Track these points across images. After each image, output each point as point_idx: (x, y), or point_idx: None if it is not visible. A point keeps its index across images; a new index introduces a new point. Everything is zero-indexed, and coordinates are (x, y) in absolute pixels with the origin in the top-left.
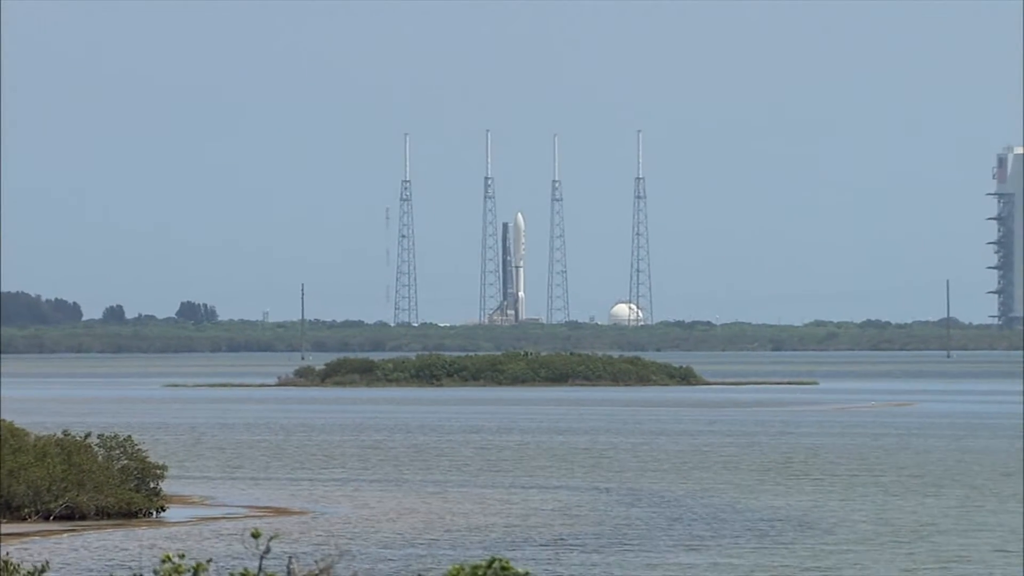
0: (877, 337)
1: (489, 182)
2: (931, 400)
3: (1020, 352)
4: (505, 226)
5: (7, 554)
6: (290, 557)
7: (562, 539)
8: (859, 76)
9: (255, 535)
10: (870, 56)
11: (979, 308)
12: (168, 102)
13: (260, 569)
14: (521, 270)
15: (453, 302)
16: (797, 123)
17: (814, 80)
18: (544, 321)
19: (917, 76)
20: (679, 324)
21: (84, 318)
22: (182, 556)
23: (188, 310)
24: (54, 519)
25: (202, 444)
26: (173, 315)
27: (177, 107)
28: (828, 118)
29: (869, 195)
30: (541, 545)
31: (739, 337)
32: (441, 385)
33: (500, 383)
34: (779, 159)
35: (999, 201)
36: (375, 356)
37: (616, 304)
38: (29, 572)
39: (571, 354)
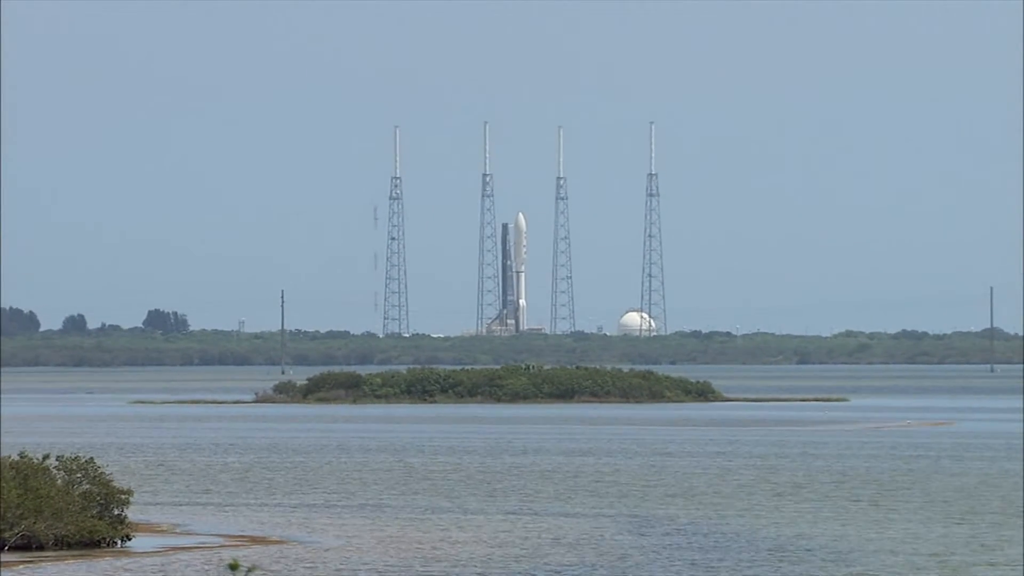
0: (913, 349)
1: (487, 179)
2: (972, 419)
3: None
4: (505, 227)
5: None
6: None
7: (561, 571)
8: (896, 71)
9: (233, 567)
10: (908, 52)
11: None
12: (131, 92)
13: None
14: (522, 276)
15: (448, 311)
16: (826, 118)
17: (846, 73)
18: (547, 331)
19: (962, 72)
20: (695, 335)
21: (42, 329)
22: None
23: (156, 319)
24: (8, 550)
25: (171, 467)
26: (140, 325)
27: (142, 99)
28: (861, 113)
29: (904, 195)
30: None
31: (761, 349)
32: (434, 402)
33: (499, 400)
34: (806, 156)
35: None
36: (362, 370)
37: (626, 313)
38: None
39: (577, 368)
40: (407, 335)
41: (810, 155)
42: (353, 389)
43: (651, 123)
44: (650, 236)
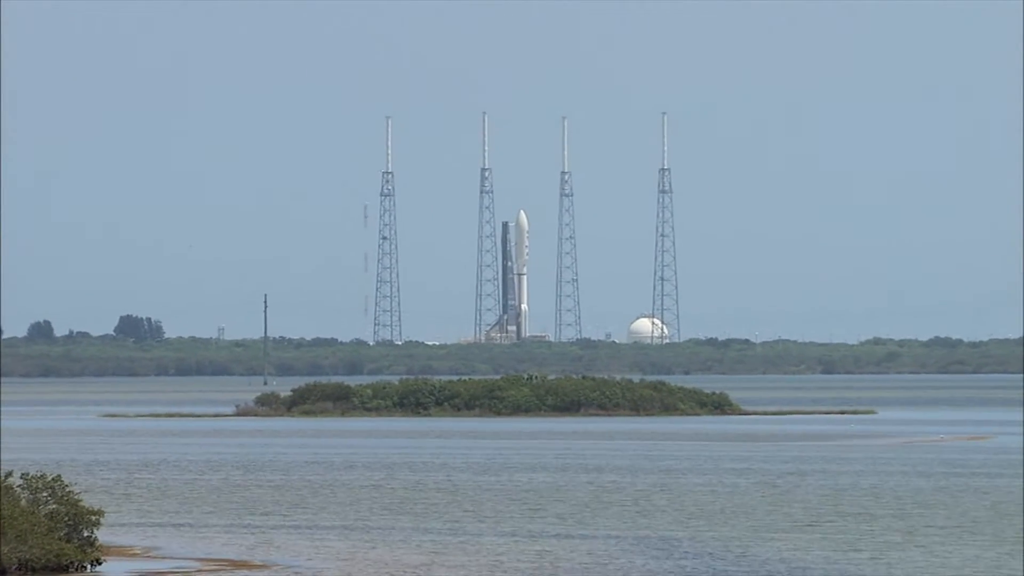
0: (946, 358)
1: (486, 174)
2: (1010, 433)
3: None
4: (505, 226)
5: None
6: None
7: None
8: (926, 67)
9: None
10: (937, 47)
11: None
12: (100, 85)
13: None
14: (524, 278)
15: (443, 317)
16: (853, 111)
17: (874, 66)
18: (551, 339)
19: (995, 68)
20: (711, 342)
21: (5, 336)
22: None
23: (129, 326)
24: None
25: (145, 485)
26: (111, 332)
27: (112, 91)
28: (890, 107)
29: (935, 193)
30: None
31: (782, 358)
32: (429, 415)
33: (499, 412)
34: (829, 151)
35: None
36: (351, 380)
37: (637, 319)
38: None
39: (583, 378)
40: (399, 343)
41: (835, 151)
42: (341, 401)
43: (663, 113)
44: (662, 235)
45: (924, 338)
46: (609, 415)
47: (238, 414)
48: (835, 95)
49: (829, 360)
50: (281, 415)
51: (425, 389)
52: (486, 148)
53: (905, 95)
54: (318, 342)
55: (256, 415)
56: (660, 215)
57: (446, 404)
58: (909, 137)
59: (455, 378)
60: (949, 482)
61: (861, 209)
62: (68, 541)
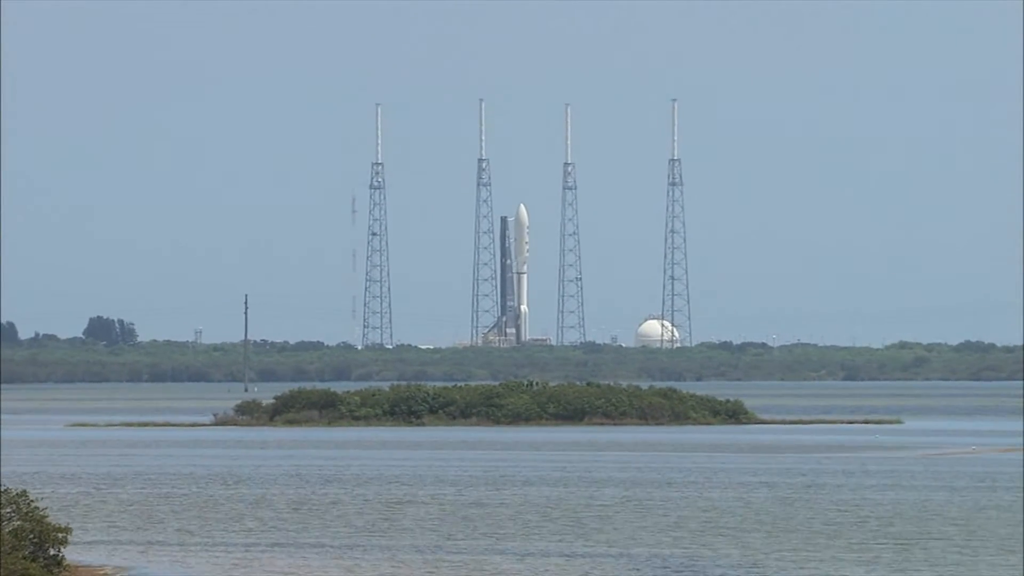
0: (978, 363)
1: (483, 165)
2: None
3: None
4: (504, 221)
5: None
6: None
7: None
8: (955, 63)
9: None
10: (974, 41)
11: None
12: (66, 71)
13: None
14: (524, 277)
15: (437, 318)
16: (878, 99)
17: (903, 57)
18: (553, 342)
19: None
20: (725, 346)
21: None
22: None
23: (99, 328)
24: None
25: (116, 500)
26: (80, 335)
27: (76, 78)
28: (918, 99)
29: (969, 188)
30: None
31: (802, 363)
32: (422, 424)
33: (498, 421)
34: (852, 142)
35: None
36: (338, 387)
37: (645, 321)
38: None
39: (588, 385)
40: (390, 346)
41: (858, 142)
42: (327, 409)
43: (673, 100)
44: (672, 232)
45: (954, 342)
46: (615, 424)
47: (216, 423)
48: (865, 86)
49: (852, 365)
50: (263, 424)
51: (418, 396)
52: (483, 137)
53: (936, 88)
54: (303, 346)
55: (236, 424)
56: (670, 209)
57: (440, 412)
58: (940, 130)
59: (450, 384)
60: (977, 497)
61: (887, 206)
62: (34, 560)
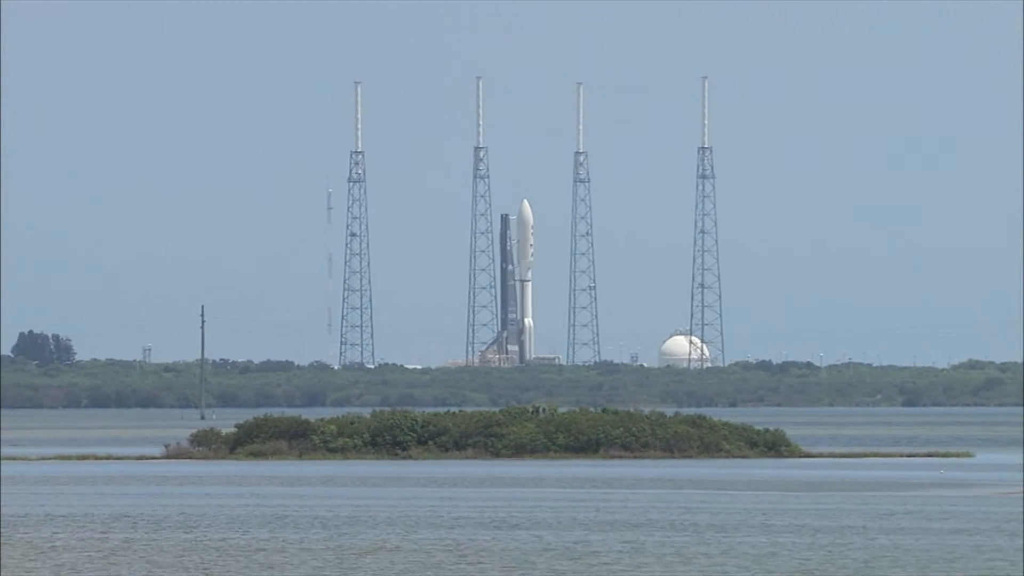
0: None
1: (481, 154)
2: None
3: None
4: (504, 220)
5: None
6: None
7: None
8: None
9: None
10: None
11: None
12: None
13: None
14: (528, 286)
15: (427, 334)
16: (932, 85)
17: (975, 50)
18: (563, 362)
19: None
20: (763, 367)
21: None
22: None
23: (30, 345)
24: None
25: (49, 547)
26: (8, 353)
27: (11, 73)
28: (984, 99)
29: None
30: None
31: (853, 386)
32: (409, 457)
33: (497, 454)
34: (909, 131)
35: None
36: (311, 414)
37: (670, 337)
38: None
39: (603, 411)
40: (372, 366)
41: (915, 131)
42: (298, 440)
43: (704, 79)
44: (702, 232)
45: None
46: (635, 457)
47: (168, 456)
48: (928, 90)
49: (913, 389)
50: (222, 457)
51: (404, 424)
52: (480, 122)
53: (1009, 89)
54: (269, 366)
55: (191, 457)
56: (700, 206)
57: (430, 443)
58: (1007, 131)
59: (442, 411)
60: None
61: (950, 206)
62: None
